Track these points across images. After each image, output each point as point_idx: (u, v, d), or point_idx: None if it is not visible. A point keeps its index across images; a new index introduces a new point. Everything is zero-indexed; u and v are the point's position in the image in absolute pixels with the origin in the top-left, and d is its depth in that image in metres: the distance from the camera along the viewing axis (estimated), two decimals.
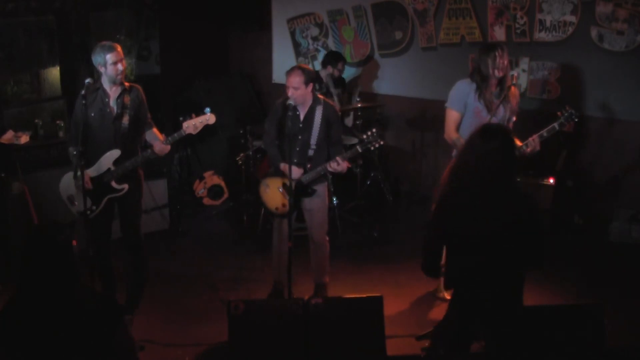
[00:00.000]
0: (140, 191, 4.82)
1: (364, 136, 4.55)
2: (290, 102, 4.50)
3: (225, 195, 7.11)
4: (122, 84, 4.58)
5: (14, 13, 6.10)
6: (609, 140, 6.19)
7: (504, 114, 4.66)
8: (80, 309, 2.55)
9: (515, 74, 4.55)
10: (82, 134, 4.42)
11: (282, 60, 7.87)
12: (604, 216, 6.16)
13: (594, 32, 6.06)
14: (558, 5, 6.18)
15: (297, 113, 4.63)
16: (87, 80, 4.40)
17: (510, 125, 4.74)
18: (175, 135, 4.61)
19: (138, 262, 4.84)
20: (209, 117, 4.62)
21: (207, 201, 7.06)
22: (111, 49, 4.50)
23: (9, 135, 5.69)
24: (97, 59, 4.52)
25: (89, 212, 4.58)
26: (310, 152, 4.75)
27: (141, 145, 4.81)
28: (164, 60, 7.34)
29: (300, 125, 4.66)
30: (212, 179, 7.08)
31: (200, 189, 7.04)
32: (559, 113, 4.50)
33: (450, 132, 4.75)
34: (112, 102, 4.59)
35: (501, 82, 4.62)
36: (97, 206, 4.63)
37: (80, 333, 2.52)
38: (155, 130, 4.77)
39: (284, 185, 4.72)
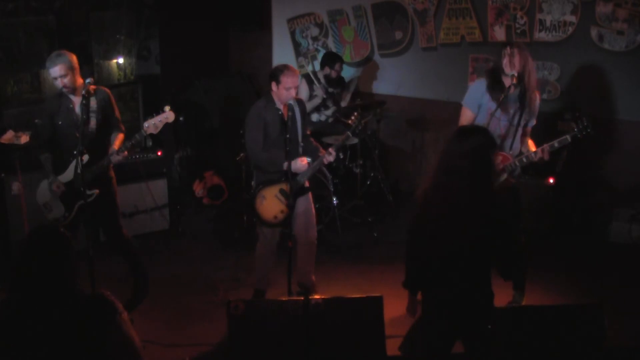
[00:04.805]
0: (114, 193, 4.72)
1: (349, 121, 4.81)
2: (290, 102, 4.58)
3: (225, 195, 7.10)
4: (86, 90, 4.37)
5: (14, 13, 6.10)
6: (609, 140, 6.19)
7: (514, 116, 4.50)
8: (74, 310, 2.54)
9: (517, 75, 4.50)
10: (42, 138, 4.67)
11: (282, 60, 7.83)
12: (604, 216, 6.16)
13: (594, 32, 6.06)
14: (558, 5, 6.18)
15: (281, 113, 4.67)
16: (88, 80, 4.37)
17: (529, 129, 4.63)
18: (132, 140, 4.47)
19: (132, 263, 4.80)
20: (167, 115, 4.51)
21: (207, 201, 7.05)
22: (51, 64, 4.38)
23: (9, 135, 5.67)
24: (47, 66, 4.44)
25: (62, 219, 4.57)
26: (300, 150, 4.85)
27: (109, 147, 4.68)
28: (164, 60, 7.34)
29: (288, 124, 4.66)
30: (212, 179, 7.07)
31: (200, 189, 7.04)
32: (573, 125, 4.41)
33: None
34: (77, 109, 4.52)
35: (520, 82, 4.43)
36: (70, 213, 4.57)
37: (73, 333, 2.51)
38: (120, 136, 4.64)
39: (280, 190, 4.69)
